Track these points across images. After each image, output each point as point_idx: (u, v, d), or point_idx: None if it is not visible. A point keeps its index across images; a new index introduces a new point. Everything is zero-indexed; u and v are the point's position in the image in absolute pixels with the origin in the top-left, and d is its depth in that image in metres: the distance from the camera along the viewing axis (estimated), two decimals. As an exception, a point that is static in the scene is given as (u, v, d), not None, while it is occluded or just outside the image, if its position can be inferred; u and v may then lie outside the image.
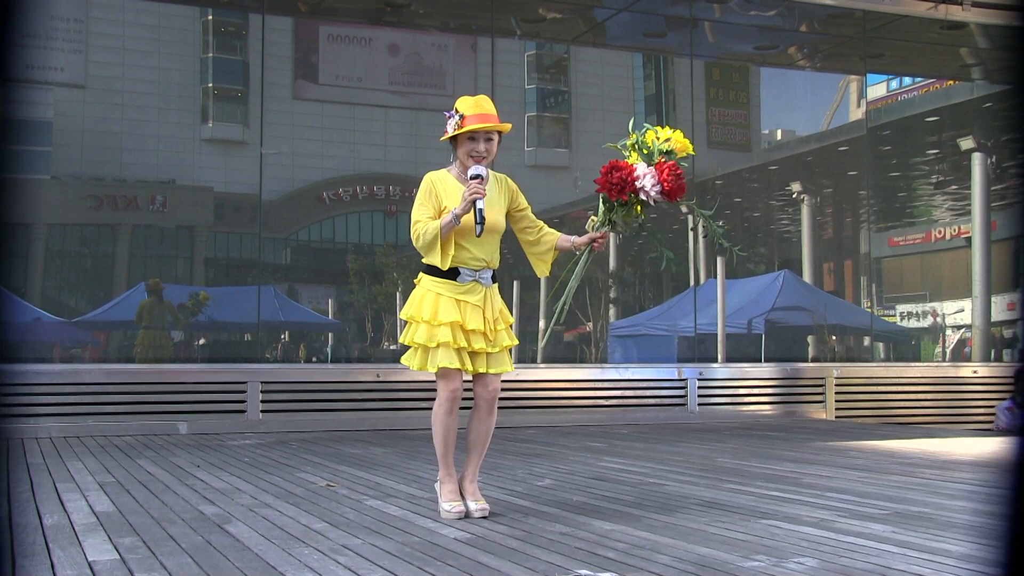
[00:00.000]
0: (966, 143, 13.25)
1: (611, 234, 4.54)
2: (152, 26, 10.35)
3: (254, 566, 3.33)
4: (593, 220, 4.46)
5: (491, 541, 3.76)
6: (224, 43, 10.72)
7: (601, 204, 4.45)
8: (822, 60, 13.32)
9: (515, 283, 10.78)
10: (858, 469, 6.17)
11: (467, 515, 4.30)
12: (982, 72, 13.58)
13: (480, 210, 4.14)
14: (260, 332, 10.18)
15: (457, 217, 4.15)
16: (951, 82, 14.52)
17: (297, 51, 10.85)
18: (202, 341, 10.31)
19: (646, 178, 4.30)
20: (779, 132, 13.59)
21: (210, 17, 10.65)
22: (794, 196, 12.84)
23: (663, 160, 4.37)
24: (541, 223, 4.54)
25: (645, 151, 4.40)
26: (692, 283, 11.86)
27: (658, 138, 4.44)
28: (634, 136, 4.47)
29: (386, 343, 10.14)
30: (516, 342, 4.42)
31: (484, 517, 4.29)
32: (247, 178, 10.14)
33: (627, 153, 4.46)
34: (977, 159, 13.08)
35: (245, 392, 9.06)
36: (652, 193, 4.31)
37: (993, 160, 13.04)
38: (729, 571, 3.24)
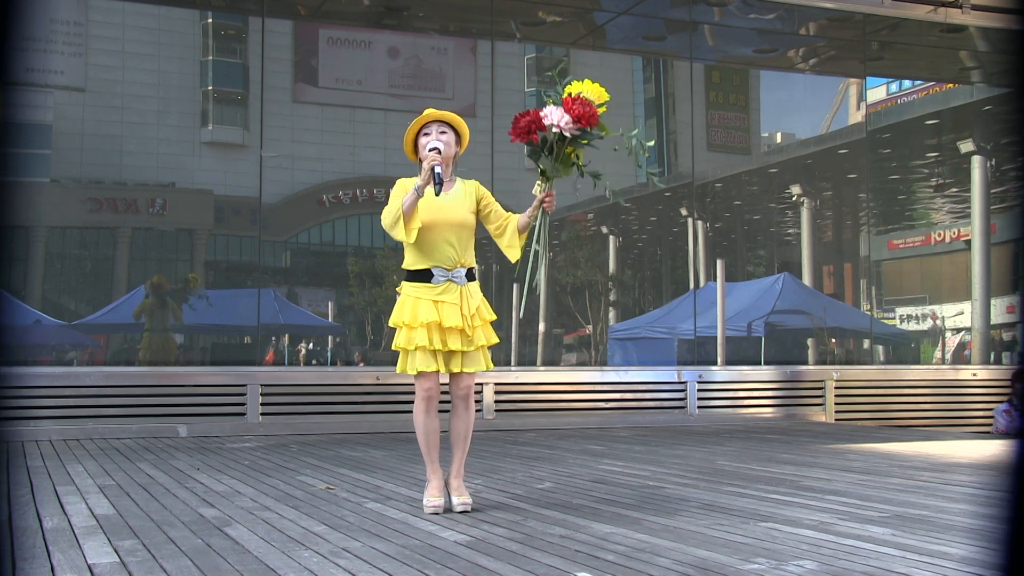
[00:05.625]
0: (966, 146, 13.26)
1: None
2: (152, 29, 10.35)
3: (254, 569, 3.33)
4: (539, 184, 4.60)
5: (491, 544, 3.76)
6: (224, 46, 10.73)
7: (537, 164, 4.60)
8: (822, 63, 13.33)
9: (514, 286, 10.78)
10: (858, 472, 6.17)
11: (448, 510, 4.47)
12: (982, 75, 13.59)
13: (438, 173, 4.32)
14: (260, 335, 10.18)
15: (419, 189, 4.35)
16: (951, 85, 14.53)
17: (297, 54, 10.86)
18: (202, 344, 10.31)
19: (553, 113, 4.45)
20: (779, 135, 13.59)
21: (210, 20, 10.65)
22: (794, 199, 12.85)
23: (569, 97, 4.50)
24: (507, 213, 4.68)
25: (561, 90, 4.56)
26: (692, 286, 11.86)
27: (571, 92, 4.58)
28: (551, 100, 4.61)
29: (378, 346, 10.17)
30: (496, 340, 4.57)
31: (466, 512, 4.44)
32: (247, 181, 10.15)
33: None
34: (977, 162, 13.09)
35: (245, 395, 9.06)
36: (562, 124, 4.44)
37: (993, 163, 13.05)
38: (729, 574, 3.24)
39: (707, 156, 12.23)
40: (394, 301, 4.62)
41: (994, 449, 7.96)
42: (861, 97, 13.21)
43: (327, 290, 11.24)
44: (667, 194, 12.54)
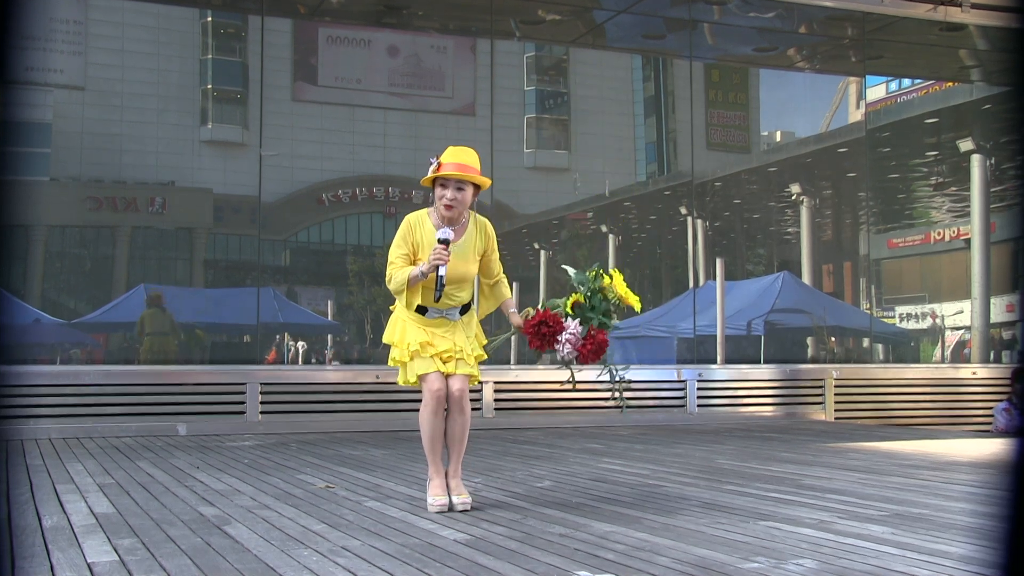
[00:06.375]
0: (965, 145, 13.26)
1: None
2: (151, 28, 10.35)
3: (253, 567, 3.33)
4: (528, 311, 4.73)
5: (490, 543, 3.76)
6: (223, 45, 10.72)
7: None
8: (821, 62, 13.33)
9: (515, 284, 10.78)
10: (857, 471, 6.17)
11: (450, 508, 4.49)
12: (981, 74, 13.58)
13: (441, 276, 4.39)
14: (259, 334, 10.18)
15: (423, 274, 4.42)
16: (950, 84, 14.53)
17: (296, 53, 10.85)
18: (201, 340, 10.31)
19: (566, 345, 4.60)
20: (778, 134, 13.59)
21: (209, 19, 10.65)
22: (793, 198, 12.85)
23: (593, 329, 4.65)
24: (499, 272, 4.81)
25: (587, 301, 4.69)
26: (692, 285, 11.86)
27: (607, 291, 4.73)
28: (593, 272, 4.76)
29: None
30: (486, 356, 4.70)
31: (466, 511, 4.47)
32: (246, 180, 10.14)
33: (576, 282, 4.76)
34: (976, 161, 13.08)
35: (244, 393, 9.06)
36: (568, 359, 4.64)
37: (992, 162, 13.05)
38: (728, 572, 3.24)
39: (706, 155, 12.23)
40: (392, 300, 4.67)
41: (994, 448, 7.96)
42: (861, 96, 13.21)
43: (327, 289, 11.24)
44: (666, 192, 12.54)
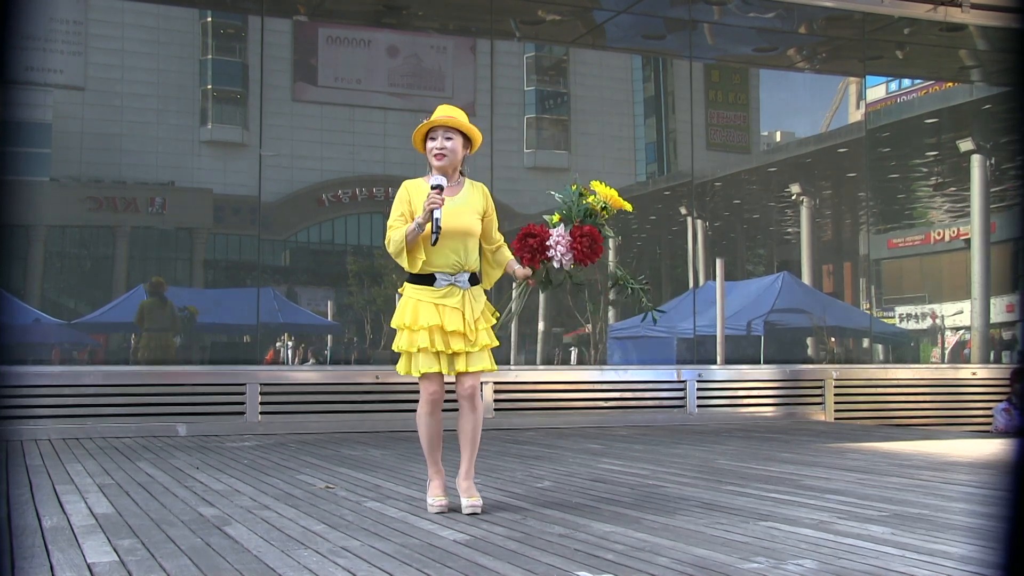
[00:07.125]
0: (965, 145, 13.26)
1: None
2: (151, 28, 10.35)
3: (253, 568, 3.33)
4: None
5: (490, 543, 3.76)
6: (223, 45, 10.72)
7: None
8: (821, 62, 13.33)
9: (513, 283, 10.77)
10: (857, 471, 6.17)
11: (456, 510, 4.48)
12: (981, 74, 13.59)
13: (437, 219, 4.34)
14: (259, 334, 10.18)
15: (420, 225, 4.37)
16: (950, 84, 14.52)
17: (296, 53, 10.85)
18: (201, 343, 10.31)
19: (557, 247, 4.52)
20: (778, 134, 13.59)
21: (209, 19, 10.65)
22: (793, 198, 12.84)
23: (579, 223, 4.56)
24: (501, 240, 4.75)
25: (576, 208, 4.60)
26: (691, 285, 11.86)
27: (590, 198, 4.63)
28: (575, 187, 4.67)
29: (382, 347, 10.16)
30: (496, 343, 4.58)
31: (476, 513, 4.42)
32: (246, 180, 10.14)
33: (562, 201, 4.67)
34: (976, 161, 13.09)
35: (244, 394, 9.06)
36: (564, 261, 4.54)
37: (992, 162, 13.05)
38: (728, 573, 3.24)
39: (706, 155, 12.23)
40: (393, 300, 4.64)
41: (993, 448, 7.96)
42: (861, 96, 13.21)
43: (326, 289, 11.24)
44: (666, 193, 12.54)
